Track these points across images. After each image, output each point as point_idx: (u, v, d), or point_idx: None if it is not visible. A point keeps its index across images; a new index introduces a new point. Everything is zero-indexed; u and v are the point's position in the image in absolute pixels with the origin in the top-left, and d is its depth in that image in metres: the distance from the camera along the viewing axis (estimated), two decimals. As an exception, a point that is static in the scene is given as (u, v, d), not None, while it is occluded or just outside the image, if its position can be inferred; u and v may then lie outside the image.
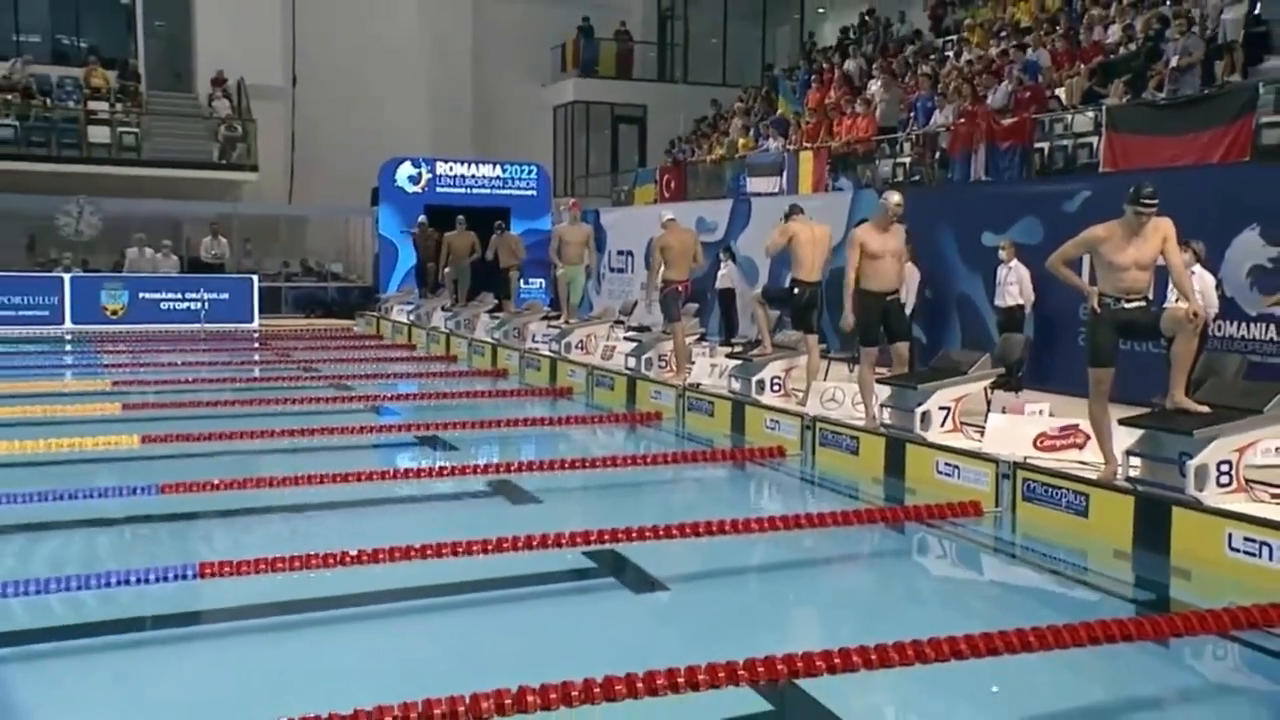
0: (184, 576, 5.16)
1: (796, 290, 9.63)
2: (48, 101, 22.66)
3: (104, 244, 22.35)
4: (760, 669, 3.94)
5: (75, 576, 5.09)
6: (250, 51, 23.73)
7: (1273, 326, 9.31)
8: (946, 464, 7.57)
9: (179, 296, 20.09)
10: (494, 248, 16.94)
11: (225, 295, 20.31)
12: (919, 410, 8.05)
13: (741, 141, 20.51)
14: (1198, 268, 9.07)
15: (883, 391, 8.62)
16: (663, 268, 11.39)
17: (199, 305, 19.63)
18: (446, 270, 17.87)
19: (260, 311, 20.63)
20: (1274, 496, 6.15)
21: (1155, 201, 6.37)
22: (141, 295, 19.92)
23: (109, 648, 4.75)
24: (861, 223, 9.57)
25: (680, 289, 11.35)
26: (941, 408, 8.11)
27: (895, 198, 8.54)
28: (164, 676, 4.54)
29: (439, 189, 21.30)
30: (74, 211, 21.82)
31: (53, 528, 6.53)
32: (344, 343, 17.90)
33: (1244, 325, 9.48)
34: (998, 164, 13.79)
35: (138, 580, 5.10)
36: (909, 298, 10.94)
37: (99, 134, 22.59)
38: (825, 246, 9.76)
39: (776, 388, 9.99)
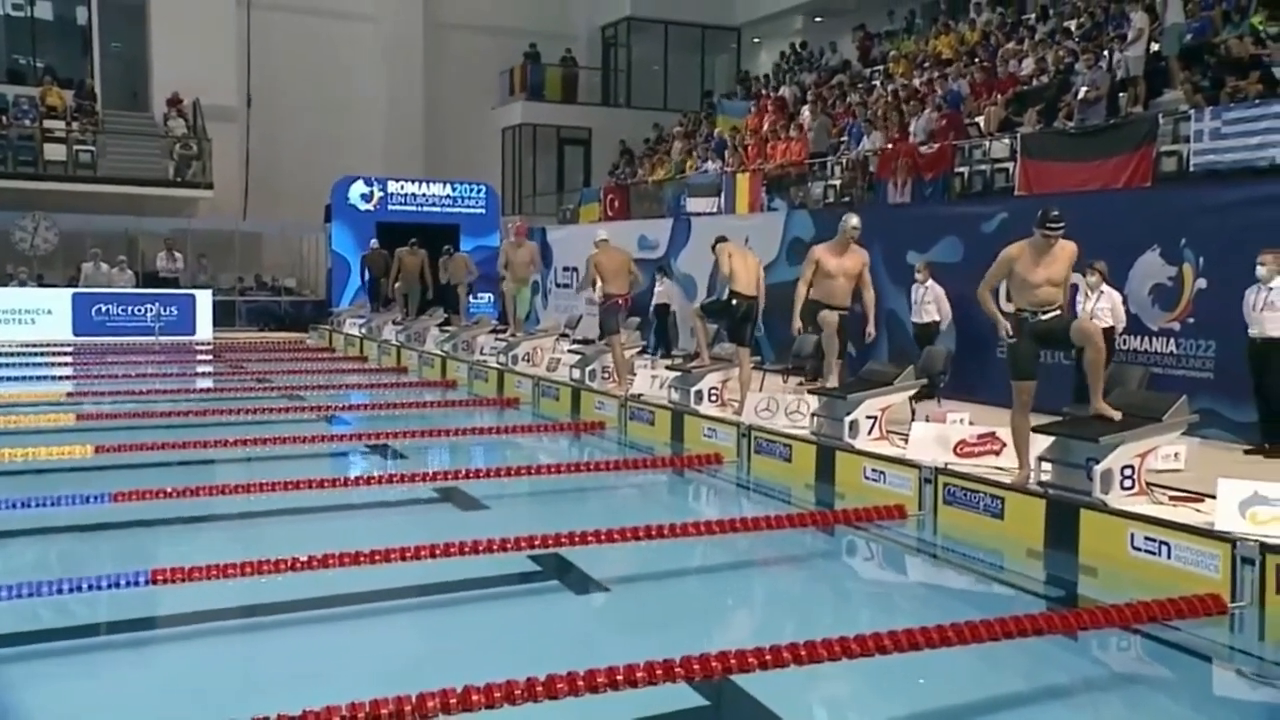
0: (136, 583, 5.05)
1: (735, 302, 9.71)
2: (4, 119, 22.09)
3: (59, 259, 21.84)
4: (697, 666, 3.96)
5: (27, 584, 4.95)
6: (206, 73, 23.33)
7: (1172, 340, 9.56)
8: (873, 470, 7.67)
9: (133, 310, 19.70)
10: (444, 268, 16.79)
11: (178, 309, 19.94)
12: (848, 419, 8.15)
13: (689, 164, 20.63)
14: (1105, 286, 9.31)
15: (813, 402, 8.72)
16: (601, 283, 11.41)
17: (153, 318, 19.23)
18: (397, 285, 17.72)
19: (214, 325, 20.28)
20: (1172, 499, 6.32)
21: (1060, 225, 6.52)
22: (96, 308, 19.51)
23: (59, 653, 4.64)
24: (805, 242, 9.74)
25: (620, 302, 11.39)
26: (869, 417, 8.22)
27: (853, 220, 8.70)
28: (115, 681, 4.44)
29: (391, 207, 21.14)
30: (30, 227, 21.29)
31: (4, 536, 6.36)
32: (297, 355, 17.65)
33: (1146, 339, 9.73)
34: (921, 187, 14.03)
35: (89, 587, 4.99)
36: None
37: (55, 151, 22.05)
38: (755, 265, 9.91)
39: (714, 398, 10.04)
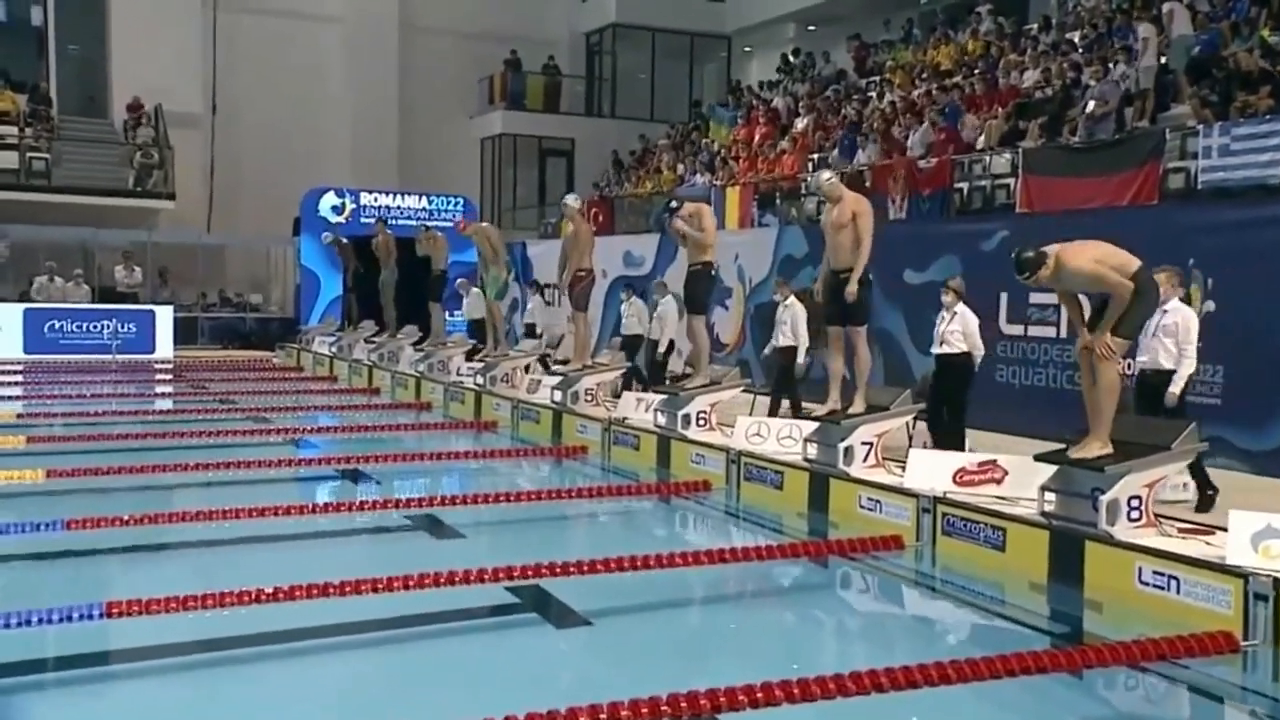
0: (89, 616, 5.01)
1: (714, 273, 10.13)
2: (-47, 125, 22.04)
3: (10, 272, 21.73)
4: (683, 704, 3.96)
5: (-27, 617, 4.91)
6: (168, 78, 23.33)
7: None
8: (869, 499, 7.69)
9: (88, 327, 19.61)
10: (422, 245, 16.55)
11: (137, 326, 19.85)
12: (842, 445, 8.17)
13: (671, 178, 20.76)
14: (960, 306, 9.18)
15: (806, 427, 8.74)
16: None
17: (110, 336, 19.13)
18: (382, 278, 17.36)
19: (175, 343, 20.20)
20: (1181, 531, 6.36)
21: (1021, 273, 6.55)
22: (49, 325, 19.40)
23: (6, 691, 4.59)
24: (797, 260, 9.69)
25: (592, 278, 11.88)
26: (864, 443, 8.24)
27: (823, 175, 8.75)
28: (67, 720, 4.40)
29: (363, 220, 21.13)
30: (-21, 238, 21.23)
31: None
32: (263, 375, 17.59)
33: (1154, 363, 9.78)
34: (918, 203, 14.14)
35: (40, 620, 4.95)
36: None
37: (7, 159, 21.96)
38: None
39: (702, 422, 10.05)
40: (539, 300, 16.79)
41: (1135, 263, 6.54)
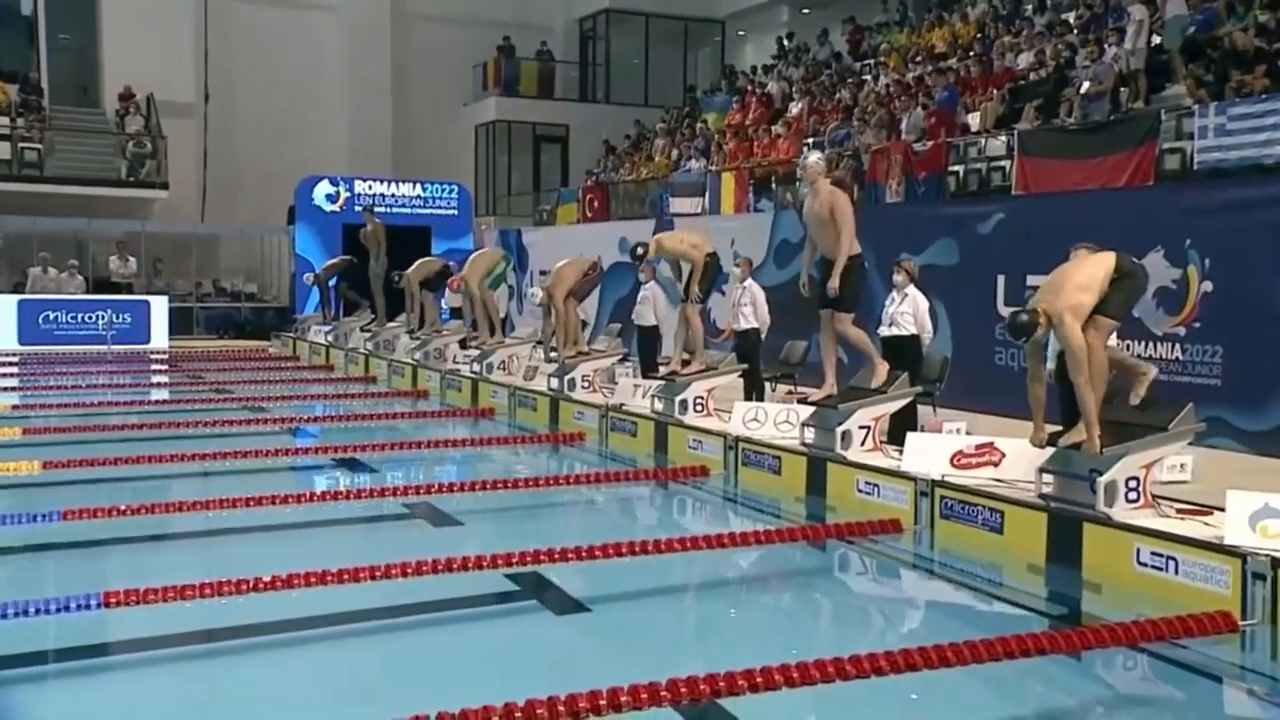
0: (87, 606, 5.00)
1: (718, 262, 10.30)
2: (-56, 115, 21.93)
3: (4, 264, 21.65)
4: (682, 689, 3.96)
5: (-30, 608, 4.90)
6: (160, 67, 23.25)
7: (1177, 346, 9.64)
8: (867, 482, 7.68)
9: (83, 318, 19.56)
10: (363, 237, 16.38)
11: (132, 316, 19.80)
12: (839, 429, 8.16)
13: (665, 163, 20.70)
14: (911, 288, 9.12)
15: (803, 411, 8.73)
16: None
17: (105, 326, 19.08)
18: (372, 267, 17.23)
19: (170, 333, 20.16)
20: (1179, 512, 6.36)
21: (1019, 339, 6.53)
22: (43, 316, 19.35)
23: (8, 682, 4.58)
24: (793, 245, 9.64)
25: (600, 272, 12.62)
26: (862, 427, 8.23)
27: (810, 157, 8.50)
28: (64, 711, 4.40)
29: (358, 208, 21.07)
30: (-29, 230, 21.15)
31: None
32: (258, 364, 17.56)
33: (1150, 345, 9.79)
34: (914, 187, 14.11)
35: (37, 611, 4.94)
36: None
37: (-1, 149, 21.92)
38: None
39: (700, 408, 10.04)
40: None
41: (1109, 259, 6.50)
